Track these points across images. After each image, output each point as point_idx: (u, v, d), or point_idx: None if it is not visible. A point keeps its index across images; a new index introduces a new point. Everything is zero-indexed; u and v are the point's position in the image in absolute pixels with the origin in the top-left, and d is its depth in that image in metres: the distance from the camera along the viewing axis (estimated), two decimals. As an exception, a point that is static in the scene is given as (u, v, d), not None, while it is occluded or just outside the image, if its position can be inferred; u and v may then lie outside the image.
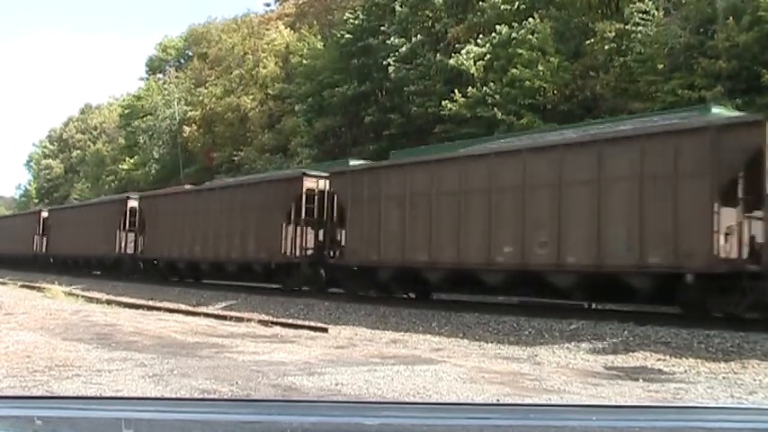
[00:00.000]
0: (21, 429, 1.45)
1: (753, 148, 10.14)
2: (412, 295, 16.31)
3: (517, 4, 26.87)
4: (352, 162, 19.69)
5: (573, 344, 10.26)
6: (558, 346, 10.24)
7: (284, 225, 17.72)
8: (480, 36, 27.38)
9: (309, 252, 17.64)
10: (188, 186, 27.32)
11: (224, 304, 17.69)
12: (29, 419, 1.43)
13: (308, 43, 38.55)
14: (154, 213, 24.03)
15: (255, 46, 44.97)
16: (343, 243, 16.90)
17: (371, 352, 9.45)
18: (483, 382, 7.01)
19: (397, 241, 14.85)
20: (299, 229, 17.55)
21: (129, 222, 25.27)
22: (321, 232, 17.64)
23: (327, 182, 17.44)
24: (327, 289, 17.33)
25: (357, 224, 15.99)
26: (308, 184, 17.58)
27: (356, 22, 33.14)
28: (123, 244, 25.37)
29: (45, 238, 32.45)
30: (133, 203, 25.44)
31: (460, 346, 10.67)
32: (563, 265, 11.94)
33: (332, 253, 17.42)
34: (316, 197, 17.43)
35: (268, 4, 52.68)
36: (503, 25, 26.05)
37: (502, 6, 26.83)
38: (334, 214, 17.14)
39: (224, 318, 14.40)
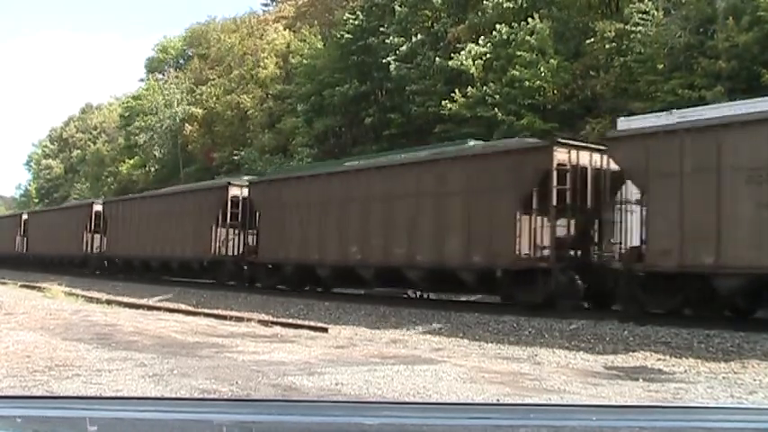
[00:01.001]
0: (21, 429, 1.45)
1: (543, 169, 12.24)
2: (411, 293, 16.38)
3: (520, 1, 26.84)
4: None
5: (573, 344, 10.26)
6: (558, 345, 10.23)
7: (213, 227, 20.10)
8: (481, 37, 27.37)
9: (234, 251, 19.85)
10: (145, 193, 30.53)
11: (223, 304, 17.68)
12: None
13: (308, 43, 38.55)
14: (114, 217, 26.51)
15: (255, 46, 44.97)
16: (258, 243, 18.94)
17: (371, 352, 9.45)
18: (483, 382, 7.01)
19: (297, 242, 17.24)
20: (226, 231, 19.92)
21: (95, 225, 27.95)
22: (243, 234, 19.74)
23: (247, 190, 19.92)
24: (248, 284, 19.35)
25: (267, 227, 18.42)
26: (233, 191, 19.90)
27: (356, 22, 33.14)
28: (89, 244, 28.04)
29: (25, 239, 35.30)
30: (98, 208, 28.22)
31: (460, 346, 10.66)
32: (415, 263, 14.52)
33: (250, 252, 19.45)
34: (240, 203, 19.70)
35: (266, 5, 52.72)
36: (503, 25, 26.04)
37: (505, 5, 26.80)
38: (256, 218, 19.16)
39: (224, 317, 14.40)
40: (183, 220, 21.59)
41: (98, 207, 28.23)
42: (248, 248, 19.41)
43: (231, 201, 19.75)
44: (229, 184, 20.51)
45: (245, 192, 19.68)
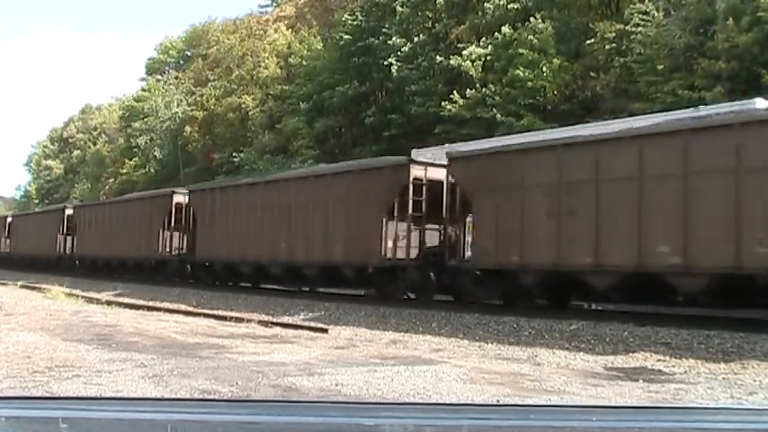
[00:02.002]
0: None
1: (402, 183, 14.70)
2: (412, 295, 16.47)
3: (524, 2, 26.83)
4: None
5: (573, 344, 10.25)
6: (558, 346, 10.23)
7: (160, 231, 22.78)
8: (482, 38, 27.37)
9: (177, 252, 22.67)
10: (107, 200, 34.53)
11: (223, 305, 17.67)
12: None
13: (308, 44, 38.55)
14: (81, 220, 29.12)
15: (255, 47, 44.96)
16: (195, 245, 21.47)
17: (371, 352, 9.46)
18: (483, 383, 7.01)
19: (224, 243, 19.76)
20: (170, 234, 22.63)
21: (67, 227, 30.65)
22: (185, 237, 22.33)
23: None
24: (191, 280, 22.02)
25: (203, 230, 21.03)
26: (177, 199, 22.61)
27: (356, 23, 33.16)
28: (62, 245, 30.69)
29: (9, 240, 38.00)
30: (69, 212, 30.75)
31: (460, 347, 10.66)
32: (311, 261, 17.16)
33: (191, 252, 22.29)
34: (183, 209, 22.34)
35: (265, 6, 52.69)
36: (505, 26, 26.05)
37: (509, 5, 26.79)
38: (197, 222, 21.62)
39: (224, 318, 14.40)
40: (136, 224, 24.26)
41: (69, 211, 30.71)
42: (189, 249, 22.05)
43: (175, 207, 22.48)
44: (173, 192, 23.52)
45: (187, 199, 22.34)
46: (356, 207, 15.71)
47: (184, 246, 22.34)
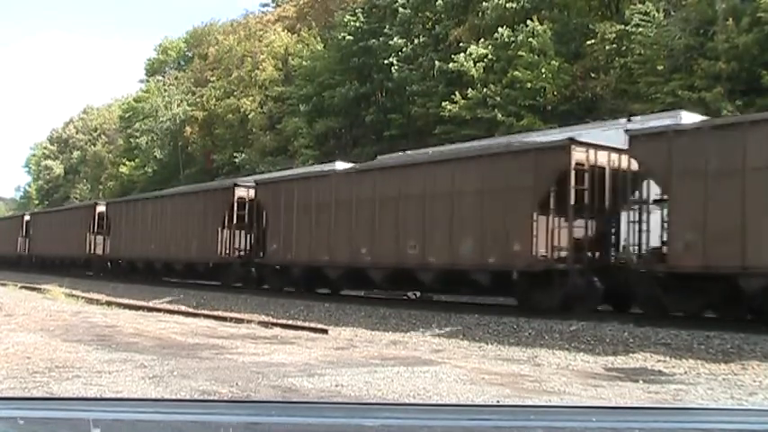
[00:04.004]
0: (22, 431, 1.45)
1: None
2: (412, 295, 16.42)
3: (522, 2, 26.85)
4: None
5: (573, 345, 10.25)
6: (558, 347, 10.23)
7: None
8: (482, 39, 27.38)
9: (98, 251, 26.61)
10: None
11: (223, 306, 17.67)
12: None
13: (308, 45, 38.57)
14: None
15: (255, 48, 44.99)
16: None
17: (371, 353, 9.45)
18: (483, 384, 7.01)
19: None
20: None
21: (26, 231, 35.14)
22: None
23: (105, 207, 27.81)
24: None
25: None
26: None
27: (356, 24, 33.18)
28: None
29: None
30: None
31: (460, 348, 10.66)
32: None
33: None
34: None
35: (265, 5, 52.73)
36: (504, 28, 26.06)
37: (507, 5, 26.80)
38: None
39: (224, 319, 14.40)
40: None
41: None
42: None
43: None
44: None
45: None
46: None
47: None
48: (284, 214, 17.82)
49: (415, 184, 14.40)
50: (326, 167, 20.87)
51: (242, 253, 19.90)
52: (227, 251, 20.03)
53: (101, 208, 28.57)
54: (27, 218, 37.44)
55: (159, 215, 23.79)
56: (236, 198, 19.91)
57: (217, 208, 20.55)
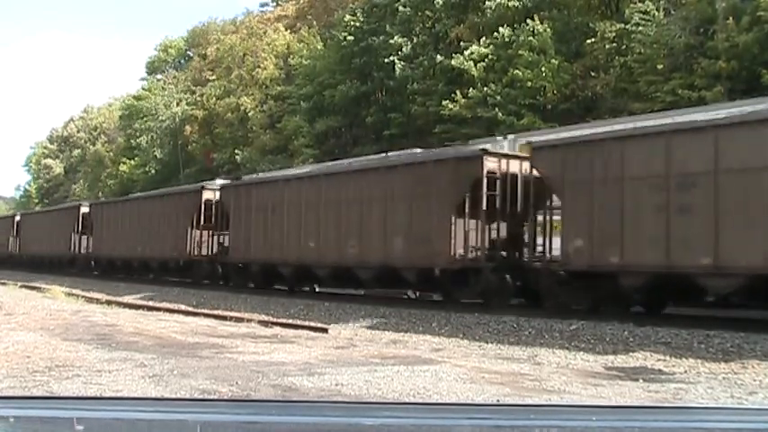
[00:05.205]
0: (14, 429, 1.45)
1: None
2: (411, 294, 16.44)
3: (523, 1, 26.85)
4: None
5: (573, 344, 10.25)
6: (558, 346, 10.22)
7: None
8: (482, 38, 27.38)
9: (82, 250, 27.68)
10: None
11: (223, 305, 17.67)
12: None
13: (308, 44, 38.57)
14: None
15: (255, 47, 44.99)
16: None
17: (371, 352, 9.45)
18: (483, 383, 7.01)
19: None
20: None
21: (16, 231, 36.25)
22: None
23: (89, 208, 28.74)
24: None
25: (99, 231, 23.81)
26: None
27: (356, 23, 33.18)
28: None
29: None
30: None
31: (460, 347, 10.65)
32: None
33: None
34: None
35: (265, 5, 52.73)
36: (505, 27, 26.06)
37: (509, 4, 26.80)
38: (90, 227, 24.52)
39: (224, 318, 14.39)
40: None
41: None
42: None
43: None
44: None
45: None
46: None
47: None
48: (244, 215, 19.01)
49: (354, 190, 15.72)
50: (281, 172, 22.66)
51: (209, 252, 21.02)
52: (196, 250, 21.15)
53: (84, 209, 29.68)
54: (18, 218, 38.61)
55: (137, 216, 24.95)
56: (203, 200, 20.92)
57: (187, 209, 21.60)
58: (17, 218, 38.69)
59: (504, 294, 13.40)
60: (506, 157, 13.75)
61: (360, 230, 15.39)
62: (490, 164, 13.21)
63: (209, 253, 21.04)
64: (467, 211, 13.25)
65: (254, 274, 19.18)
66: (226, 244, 20.33)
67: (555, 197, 12.58)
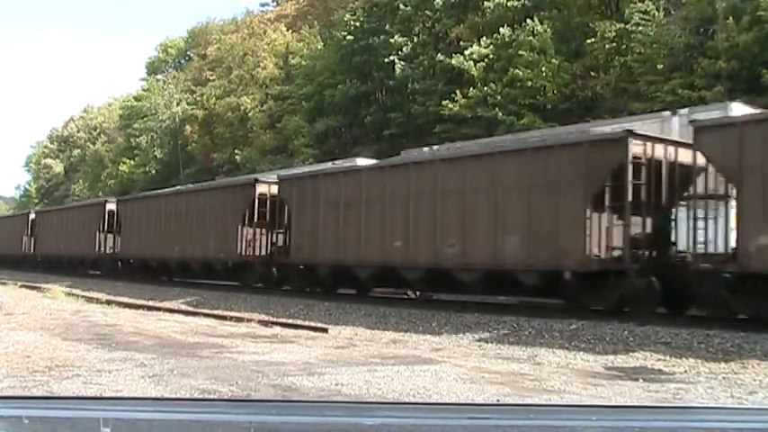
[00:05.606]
0: (12, 429, 1.45)
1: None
2: (412, 294, 16.41)
3: (523, 0, 26.84)
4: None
5: (573, 344, 10.24)
6: (558, 346, 10.22)
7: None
8: (483, 37, 27.39)
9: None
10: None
11: (223, 304, 17.68)
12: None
13: (308, 44, 38.57)
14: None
15: (255, 46, 45.00)
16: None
17: (371, 352, 9.45)
18: (483, 383, 7.01)
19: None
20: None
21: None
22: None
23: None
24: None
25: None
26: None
27: (356, 23, 33.19)
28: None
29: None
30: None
31: (460, 347, 10.65)
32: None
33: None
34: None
35: (265, 4, 52.74)
36: (505, 27, 26.07)
37: (509, 3, 26.80)
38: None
39: (224, 318, 14.38)
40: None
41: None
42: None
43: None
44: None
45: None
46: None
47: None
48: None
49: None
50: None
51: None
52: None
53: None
54: (32, 216, 36.09)
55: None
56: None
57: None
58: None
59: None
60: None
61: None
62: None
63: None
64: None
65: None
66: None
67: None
